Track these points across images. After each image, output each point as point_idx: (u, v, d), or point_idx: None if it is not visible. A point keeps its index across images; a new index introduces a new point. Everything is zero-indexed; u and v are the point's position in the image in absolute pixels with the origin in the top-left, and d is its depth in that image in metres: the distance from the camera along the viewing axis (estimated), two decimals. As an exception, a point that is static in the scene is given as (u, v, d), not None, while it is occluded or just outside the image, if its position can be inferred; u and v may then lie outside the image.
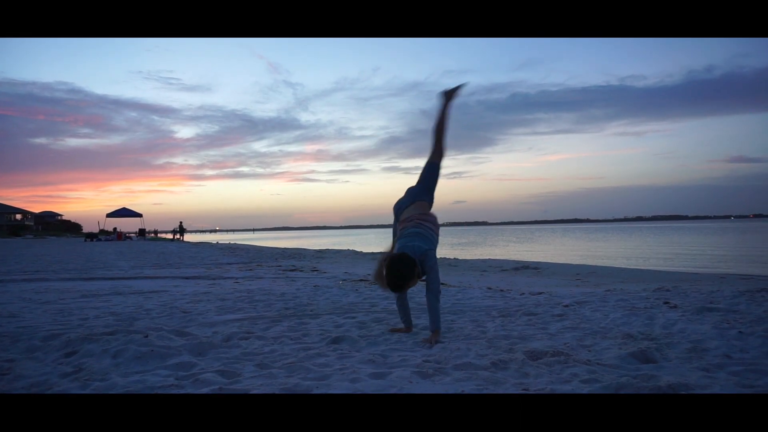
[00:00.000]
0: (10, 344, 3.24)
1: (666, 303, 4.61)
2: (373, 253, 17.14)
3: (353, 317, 4.18)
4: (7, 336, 3.44)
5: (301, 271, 9.89)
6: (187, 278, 8.26)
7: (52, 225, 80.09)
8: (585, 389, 2.24)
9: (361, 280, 7.67)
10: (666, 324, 3.66)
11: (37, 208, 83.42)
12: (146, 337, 3.12)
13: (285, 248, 21.92)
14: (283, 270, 10.00)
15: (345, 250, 20.08)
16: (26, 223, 72.22)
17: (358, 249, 20.69)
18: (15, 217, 71.99)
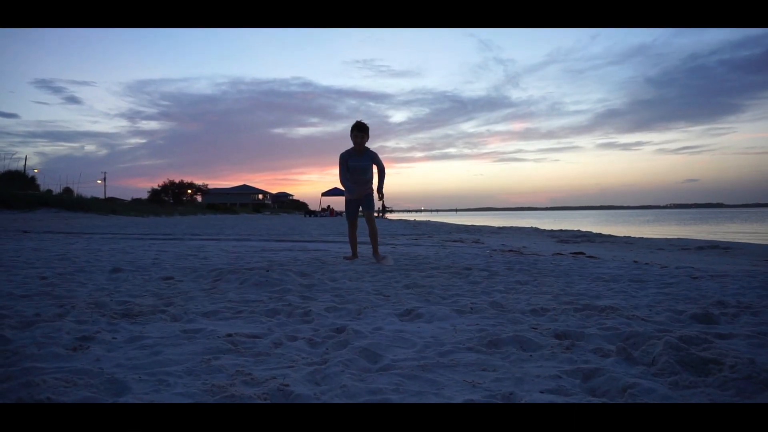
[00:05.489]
0: (189, 273, 4.43)
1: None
2: (552, 231, 16.60)
3: (490, 275, 4.55)
4: (190, 269, 4.69)
5: (463, 242, 10.32)
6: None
7: (285, 204, 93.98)
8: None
9: (510, 250, 7.82)
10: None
11: (274, 189, 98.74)
12: (267, 271, 3.99)
13: (469, 225, 22.46)
14: (445, 241, 10.56)
15: (527, 227, 19.78)
16: (265, 202, 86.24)
17: (541, 227, 20.15)
18: (258, 197, 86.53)
